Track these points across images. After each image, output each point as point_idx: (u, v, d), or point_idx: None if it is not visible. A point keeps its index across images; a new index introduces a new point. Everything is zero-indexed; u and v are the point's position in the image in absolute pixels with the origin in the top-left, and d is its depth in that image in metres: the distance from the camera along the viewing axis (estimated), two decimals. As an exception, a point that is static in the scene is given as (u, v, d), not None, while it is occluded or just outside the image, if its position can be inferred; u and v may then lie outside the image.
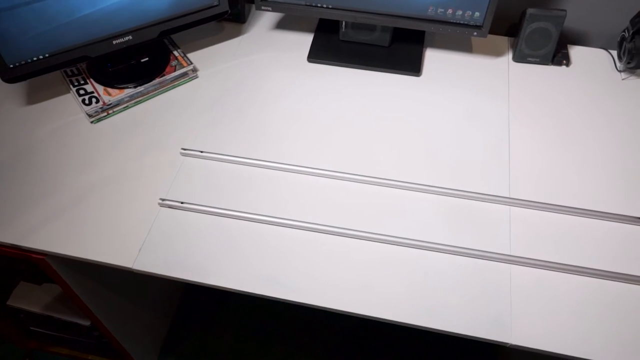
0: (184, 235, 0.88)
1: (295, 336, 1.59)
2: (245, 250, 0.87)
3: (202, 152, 0.98)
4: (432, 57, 1.17)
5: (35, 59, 0.96)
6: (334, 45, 1.18)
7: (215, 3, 1.09)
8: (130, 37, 1.03)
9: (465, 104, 1.08)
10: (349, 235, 0.88)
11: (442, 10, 1.04)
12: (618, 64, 1.15)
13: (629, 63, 1.09)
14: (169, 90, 1.10)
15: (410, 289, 0.82)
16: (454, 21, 1.05)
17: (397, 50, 1.17)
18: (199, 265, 0.85)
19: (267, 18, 1.26)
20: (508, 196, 0.93)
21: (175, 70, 1.09)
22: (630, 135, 1.03)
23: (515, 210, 0.92)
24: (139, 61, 1.10)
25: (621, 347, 0.77)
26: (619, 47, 1.13)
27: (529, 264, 0.85)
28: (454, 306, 0.81)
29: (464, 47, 1.20)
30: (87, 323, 1.25)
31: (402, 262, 0.85)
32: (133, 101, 1.07)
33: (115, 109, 1.05)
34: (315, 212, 0.91)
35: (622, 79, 1.13)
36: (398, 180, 0.95)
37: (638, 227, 0.90)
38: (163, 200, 0.91)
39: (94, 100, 1.03)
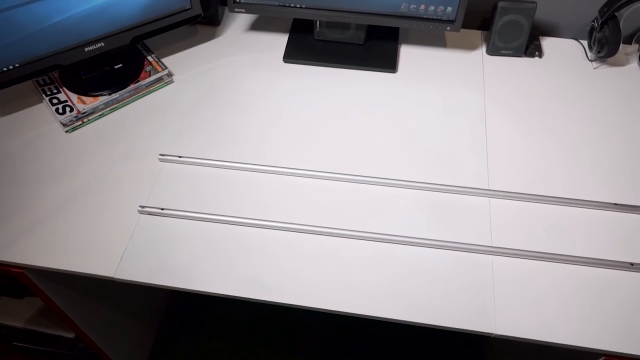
0: (165, 241, 0.87)
1: (285, 338, 1.59)
2: (229, 253, 0.86)
3: (180, 157, 0.97)
4: (407, 53, 1.18)
5: (5, 69, 0.94)
6: (309, 44, 1.18)
7: (188, 6, 1.08)
8: (102, 43, 1.01)
9: (442, 98, 1.09)
10: (332, 234, 0.88)
11: (415, 6, 1.05)
12: (589, 54, 1.16)
13: (599, 52, 1.11)
14: (145, 96, 1.09)
15: (395, 285, 0.83)
16: (427, 17, 1.06)
17: (372, 47, 1.17)
18: (182, 271, 0.84)
19: (241, 20, 1.25)
20: (487, 188, 0.94)
21: (150, 76, 1.08)
22: (604, 123, 1.05)
23: (495, 201, 0.93)
24: (112, 68, 1.08)
25: (604, 331, 0.78)
26: (589, 37, 1.15)
27: (510, 254, 0.86)
28: (438, 299, 0.81)
29: (438, 42, 1.21)
30: (71, 335, 1.23)
31: (386, 258, 0.86)
32: (108, 108, 1.05)
33: (90, 117, 1.04)
34: (298, 213, 0.91)
35: (594, 68, 1.14)
36: (378, 177, 0.95)
37: (616, 213, 0.92)
38: (143, 207, 0.90)
39: (67, 109, 1.02)
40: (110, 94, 1.04)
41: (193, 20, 1.11)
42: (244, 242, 0.88)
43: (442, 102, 1.08)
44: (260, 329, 1.61)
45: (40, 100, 1.07)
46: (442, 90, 1.10)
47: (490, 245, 0.87)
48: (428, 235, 0.88)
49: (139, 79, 1.08)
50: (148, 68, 1.10)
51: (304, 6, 1.08)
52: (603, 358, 0.82)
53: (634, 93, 1.10)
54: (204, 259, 0.85)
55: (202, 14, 1.12)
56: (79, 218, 0.90)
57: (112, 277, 0.84)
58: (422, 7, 1.05)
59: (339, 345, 1.58)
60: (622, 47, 1.17)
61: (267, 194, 0.93)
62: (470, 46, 1.19)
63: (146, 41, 1.16)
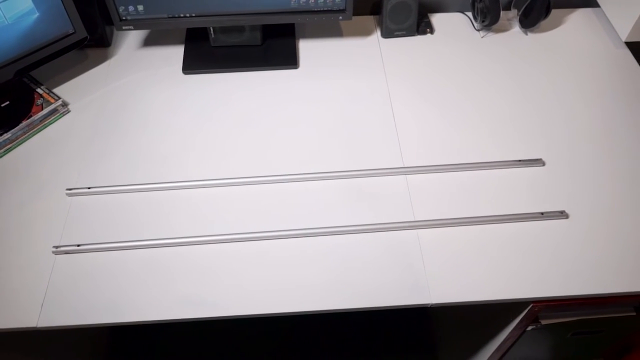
0: (87, 278, 0.83)
1: (238, 349, 1.57)
2: (158, 278, 0.83)
3: (89, 188, 0.93)
4: (306, 47, 1.19)
5: None
6: (207, 52, 1.16)
7: (71, 31, 1.03)
8: (-18, 83, 0.95)
9: (346, 86, 1.11)
10: (264, 237, 0.88)
11: (304, 0, 1.06)
12: (475, 24, 1.23)
13: (483, 21, 1.18)
14: (41, 130, 1.03)
15: (332, 276, 0.84)
16: (318, 9, 1.07)
17: (271, 46, 1.17)
18: (110, 306, 0.80)
19: (132, 37, 1.21)
20: (402, 166, 0.97)
21: (42, 109, 1.02)
22: (498, 86, 1.11)
23: (411, 177, 0.96)
24: (-1, 106, 1.02)
25: (529, 280, 0.83)
26: (472, 8, 1.21)
27: (433, 225, 0.89)
28: (375, 281, 0.83)
29: (334, 32, 1.22)
30: (5, 397, 1.14)
31: (319, 251, 0.86)
32: (2, 150, 0.98)
33: (-18, 163, 0.97)
34: (227, 223, 0.89)
35: (482, 37, 1.21)
36: (299, 173, 0.95)
37: (522, 169, 0.97)
38: (57, 247, 0.85)
39: (-45, 158, 0.94)
40: (1, 135, 0.98)
41: (80, 45, 1.06)
42: (171, 263, 0.85)
43: (347, 89, 1.10)
44: (211, 346, 1.57)
45: None
46: (345, 78, 1.12)
47: (413, 220, 0.90)
48: (355, 221, 0.90)
49: (31, 113, 1.01)
50: (39, 101, 1.04)
51: (194, 15, 1.06)
52: (532, 305, 0.87)
53: (520, 54, 1.17)
54: (131, 289, 0.82)
55: (89, 37, 1.07)
56: (-12, 271, 0.84)
57: (35, 327, 0.78)
58: (312, 0, 1.06)
59: (293, 345, 1.57)
60: (503, 13, 1.25)
61: (191, 209, 0.91)
62: (366, 32, 1.22)
63: (33, 73, 1.09)
